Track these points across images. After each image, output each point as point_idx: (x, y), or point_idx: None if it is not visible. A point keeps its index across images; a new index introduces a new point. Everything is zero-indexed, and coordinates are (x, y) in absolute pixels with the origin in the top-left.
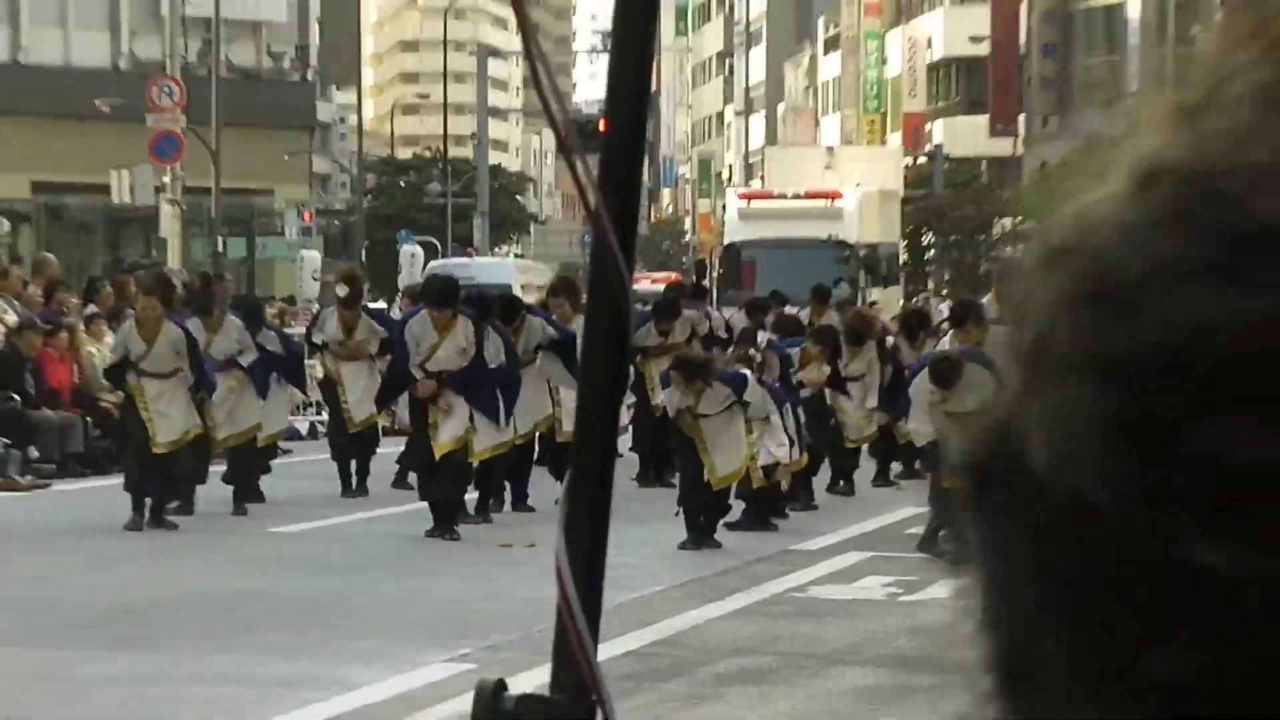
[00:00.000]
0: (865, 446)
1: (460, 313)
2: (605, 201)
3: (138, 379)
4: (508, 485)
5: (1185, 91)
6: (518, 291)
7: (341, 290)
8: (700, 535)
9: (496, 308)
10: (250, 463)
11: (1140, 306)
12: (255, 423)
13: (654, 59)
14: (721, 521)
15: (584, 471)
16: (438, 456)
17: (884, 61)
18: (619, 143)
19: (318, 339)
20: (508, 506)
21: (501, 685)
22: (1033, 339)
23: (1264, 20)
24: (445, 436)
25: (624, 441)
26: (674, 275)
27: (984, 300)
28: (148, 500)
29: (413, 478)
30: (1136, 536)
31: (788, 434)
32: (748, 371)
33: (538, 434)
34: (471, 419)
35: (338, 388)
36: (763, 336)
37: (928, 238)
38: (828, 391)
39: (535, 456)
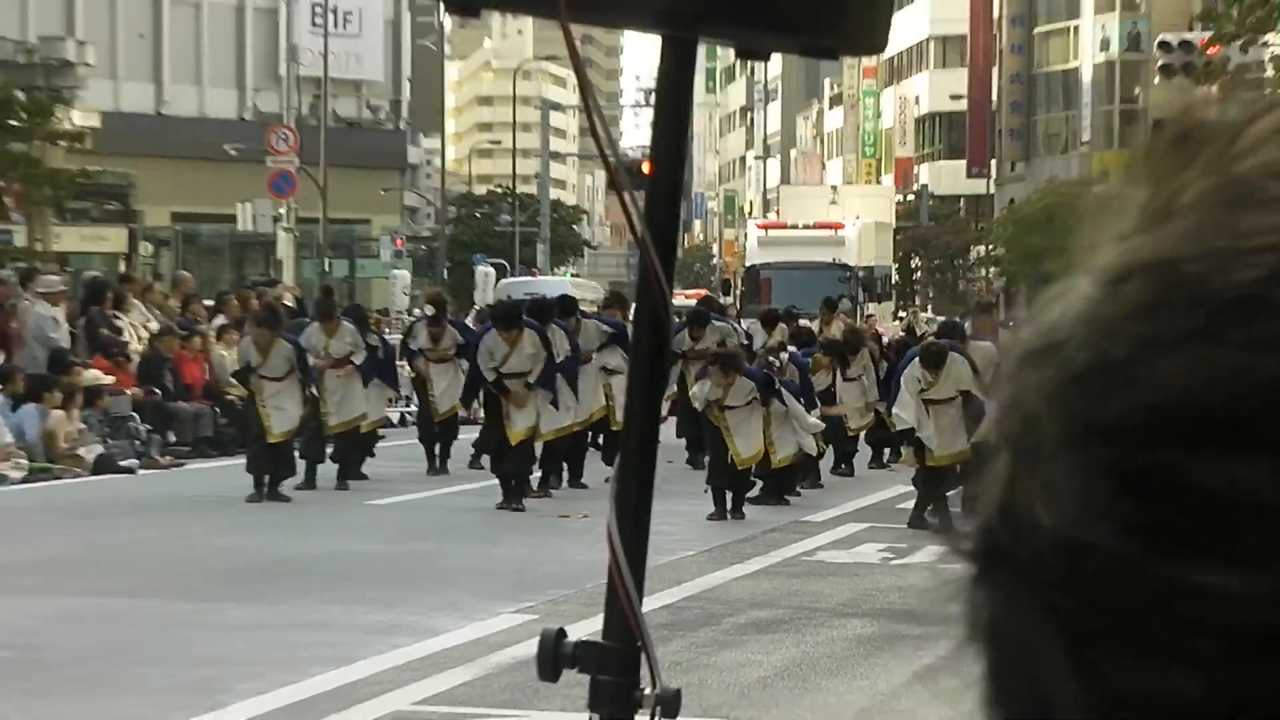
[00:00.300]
0: (863, 435)
1: (525, 325)
2: (650, 231)
3: (258, 380)
4: (566, 466)
5: (1138, 214)
6: None
7: (429, 310)
8: (726, 508)
9: (556, 309)
10: (353, 446)
11: (1129, 378)
12: (360, 412)
13: (691, 116)
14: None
15: (631, 455)
16: (513, 443)
17: (879, 115)
18: (661, 185)
19: (412, 346)
20: (565, 484)
21: (562, 633)
22: (1021, 427)
23: (1201, 141)
24: (519, 426)
25: (665, 429)
26: (703, 291)
27: (965, 321)
28: (266, 478)
29: (485, 460)
30: (1145, 571)
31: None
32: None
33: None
34: (554, 404)
35: (427, 384)
36: (784, 356)
37: (915, 261)
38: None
39: (589, 441)
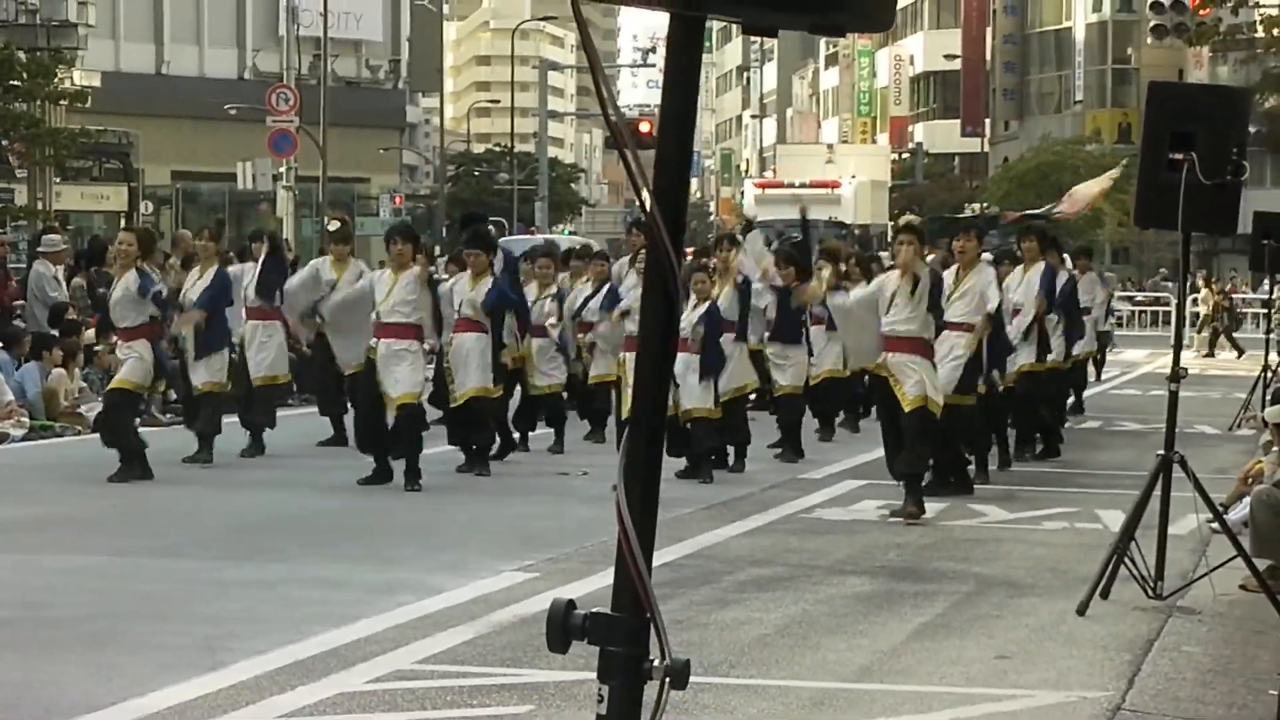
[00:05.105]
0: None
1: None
2: (659, 206)
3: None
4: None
5: None
6: None
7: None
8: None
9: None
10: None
11: None
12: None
13: (698, 90)
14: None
15: (641, 427)
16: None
17: (874, 75)
18: (670, 159)
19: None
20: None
21: (571, 605)
22: None
23: None
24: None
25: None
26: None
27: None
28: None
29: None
30: None
31: None
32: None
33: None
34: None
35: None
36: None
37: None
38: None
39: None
